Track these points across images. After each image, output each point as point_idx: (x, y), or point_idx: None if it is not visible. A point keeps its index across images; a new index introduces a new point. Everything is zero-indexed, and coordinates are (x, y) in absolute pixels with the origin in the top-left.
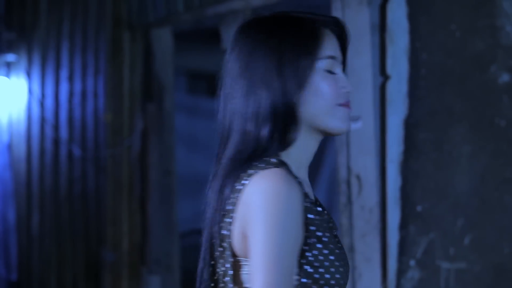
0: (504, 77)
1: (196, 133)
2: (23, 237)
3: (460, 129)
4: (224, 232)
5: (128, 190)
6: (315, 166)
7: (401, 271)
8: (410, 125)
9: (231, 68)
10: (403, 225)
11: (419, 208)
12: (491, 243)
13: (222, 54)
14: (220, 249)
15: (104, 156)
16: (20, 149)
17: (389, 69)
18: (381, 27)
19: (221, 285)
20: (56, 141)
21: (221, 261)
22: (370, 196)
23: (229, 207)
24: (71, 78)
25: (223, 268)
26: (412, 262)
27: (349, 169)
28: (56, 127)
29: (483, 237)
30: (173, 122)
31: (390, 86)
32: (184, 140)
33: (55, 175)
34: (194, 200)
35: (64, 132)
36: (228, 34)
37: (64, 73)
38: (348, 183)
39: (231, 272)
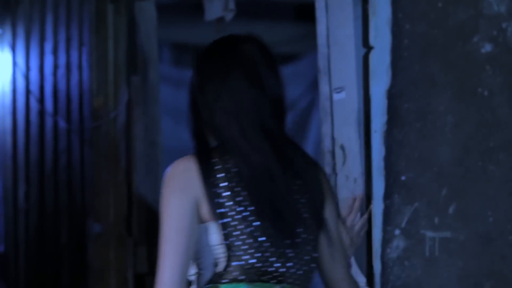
0: (487, 47)
1: (181, 105)
2: (9, 209)
3: (443, 99)
4: None
5: (113, 162)
6: (300, 138)
7: (386, 241)
8: (393, 96)
9: None
10: (388, 195)
11: (403, 178)
12: (476, 212)
13: (205, 26)
14: None
15: (89, 128)
16: (6, 122)
17: (372, 40)
18: None
19: None
20: (42, 114)
21: None
22: (355, 166)
23: None
24: (55, 51)
25: None
26: (397, 232)
27: (333, 139)
28: (41, 99)
29: (467, 206)
30: (157, 94)
31: (373, 57)
32: (170, 112)
33: (41, 147)
34: None
35: (49, 105)
36: (211, 6)
37: (48, 46)
38: (333, 154)
39: None
